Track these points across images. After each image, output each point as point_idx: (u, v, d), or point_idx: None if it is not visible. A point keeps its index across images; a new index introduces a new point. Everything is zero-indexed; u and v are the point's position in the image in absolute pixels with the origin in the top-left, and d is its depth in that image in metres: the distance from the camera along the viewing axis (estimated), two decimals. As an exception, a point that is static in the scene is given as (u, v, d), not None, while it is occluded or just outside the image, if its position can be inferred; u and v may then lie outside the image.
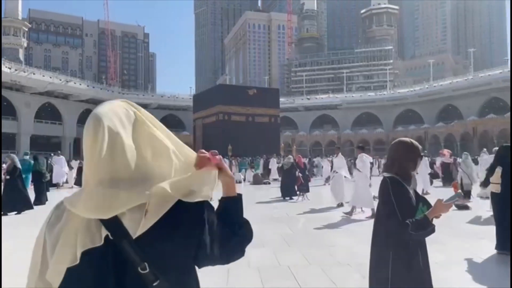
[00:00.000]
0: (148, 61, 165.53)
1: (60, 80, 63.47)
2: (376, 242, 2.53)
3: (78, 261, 0.88)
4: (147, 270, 0.88)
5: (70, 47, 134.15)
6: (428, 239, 2.44)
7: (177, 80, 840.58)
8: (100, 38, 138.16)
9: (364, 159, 9.92)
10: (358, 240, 6.88)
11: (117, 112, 0.96)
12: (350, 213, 9.62)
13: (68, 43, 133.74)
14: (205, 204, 1.02)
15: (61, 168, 19.55)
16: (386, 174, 2.48)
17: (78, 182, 20.28)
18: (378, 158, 35.12)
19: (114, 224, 0.90)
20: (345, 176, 11.63)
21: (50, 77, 61.51)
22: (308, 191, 14.02)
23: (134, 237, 0.90)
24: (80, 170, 20.91)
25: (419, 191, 13.34)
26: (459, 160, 14.69)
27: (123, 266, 0.89)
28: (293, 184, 13.81)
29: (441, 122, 70.98)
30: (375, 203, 9.69)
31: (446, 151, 16.45)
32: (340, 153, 11.99)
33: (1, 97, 50.38)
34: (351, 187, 10.52)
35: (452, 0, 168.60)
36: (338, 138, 75.83)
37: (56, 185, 19.28)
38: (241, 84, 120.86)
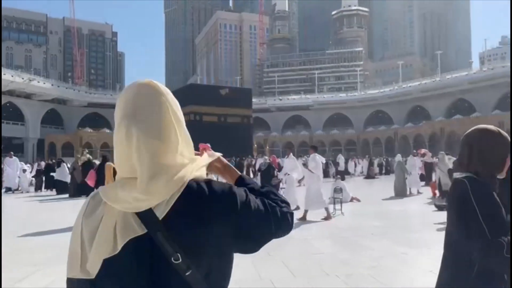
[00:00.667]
0: (116, 60, 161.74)
1: (23, 78, 60.64)
2: (451, 275, 1.68)
3: (117, 252, 0.90)
4: (180, 260, 0.91)
5: (33, 44, 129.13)
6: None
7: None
8: (66, 36, 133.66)
9: (317, 160, 9.56)
10: (342, 246, 6.38)
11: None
12: (303, 218, 9.13)
13: (31, 41, 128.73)
14: (233, 192, 1.01)
15: (14, 171, 18.22)
16: (461, 175, 1.69)
17: (39, 186, 19.03)
18: (355, 158, 35.24)
19: (148, 215, 0.93)
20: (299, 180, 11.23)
21: (12, 76, 58.65)
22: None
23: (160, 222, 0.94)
24: (39, 173, 19.65)
25: (411, 192, 12.90)
26: (435, 159, 14.48)
27: (158, 256, 0.92)
28: (272, 185, 13.50)
29: (410, 122, 72.34)
30: (328, 202, 9.42)
31: (425, 151, 16.10)
32: (291, 154, 11.51)
33: (1, 99, 47.94)
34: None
35: (420, 2, 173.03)
36: (310, 139, 76.00)
37: (11, 189, 18.04)
38: (212, 85, 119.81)
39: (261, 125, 77.79)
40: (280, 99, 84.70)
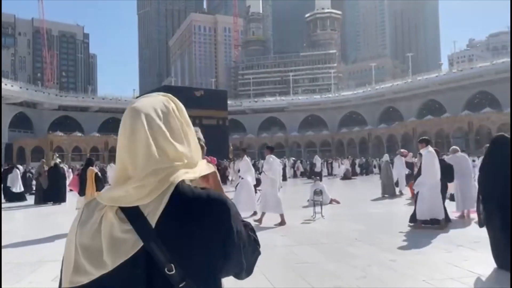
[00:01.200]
0: (88, 62, 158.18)
1: (-12, 81, 58.35)
2: None
3: (111, 269, 0.89)
4: (173, 271, 0.89)
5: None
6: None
7: (120, 82, 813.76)
8: (35, 37, 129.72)
9: (271, 161, 9.13)
10: (326, 254, 6.14)
11: (155, 105, 1.00)
12: (260, 220, 8.89)
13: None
14: (228, 204, 1.00)
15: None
16: None
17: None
18: (339, 159, 35.34)
19: (141, 223, 0.91)
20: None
21: (-23, 78, 56.37)
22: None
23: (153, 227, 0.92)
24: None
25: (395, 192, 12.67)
26: (414, 160, 14.39)
27: (153, 266, 0.90)
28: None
29: (383, 123, 73.52)
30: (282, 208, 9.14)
31: (405, 151, 16.10)
32: (246, 156, 10.58)
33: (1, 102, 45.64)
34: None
35: (390, 3, 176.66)
36: (286, 140, 76.34)
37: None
38: (187, 86, 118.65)
39: (237, 127, 77.51)
40: (256, 101, 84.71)
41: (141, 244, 0.89)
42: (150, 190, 0.91)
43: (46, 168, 14.92)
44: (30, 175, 19.46)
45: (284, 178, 23.75)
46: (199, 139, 1.37)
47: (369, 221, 9.29)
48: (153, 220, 0.91)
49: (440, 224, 7.93)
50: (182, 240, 0.92)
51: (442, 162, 8.51)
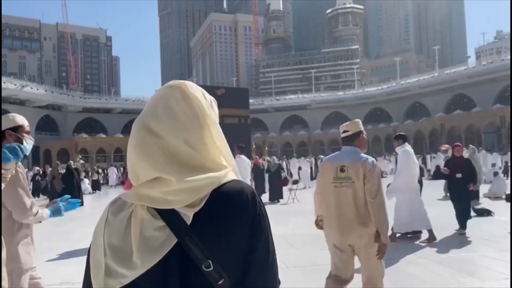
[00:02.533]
0: (111, 64, 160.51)
1: (15, 85, 59.58)
2: None
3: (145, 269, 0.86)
4: (211, 267, 0.85)
5: (27, 51, 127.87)
6: None
7: (143, 83, 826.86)
8: (60, 41, 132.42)
9: (238, 161, 8.21)
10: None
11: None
12: None
13: (25, 47, 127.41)
14: (260, 207, 0.96)
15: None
16: None
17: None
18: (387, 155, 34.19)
19: (175, 219, 0.87)
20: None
21: (4, 82, 57.56)
22: (282, 196, 13.93)
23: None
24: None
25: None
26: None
27: (187, 264, 0.86)
28: (281, 186, 13.97)
29: (410, 119, 71.55)
30: None
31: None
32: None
33: (1, 103, 46.82)
34: None
35: (413, 0, 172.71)
36: (309, 139, 75.23)
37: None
38: (207, 85, 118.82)
39: (258, 126, 76.88)
40: (277, 99, 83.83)
41: (175, 241, 0.86)
42: (193, 194, 0.88)
43: (61, 171, 14.46)
44: (40, 178, 19.14)
45: (312, 177, 22.90)
46: None
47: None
48: (187, 216, 0.87)
49: (429, 236, 6.63)
50: (217, 235, 0.88)
51: (467, 162, 7.39)
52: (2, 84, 56.75)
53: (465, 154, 15.35)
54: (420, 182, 7.43)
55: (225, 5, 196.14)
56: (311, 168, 23.60)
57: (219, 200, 0.90)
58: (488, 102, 61.72)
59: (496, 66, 62.34)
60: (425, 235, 6.80)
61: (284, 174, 13.87)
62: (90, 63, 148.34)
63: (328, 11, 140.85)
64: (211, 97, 1.01)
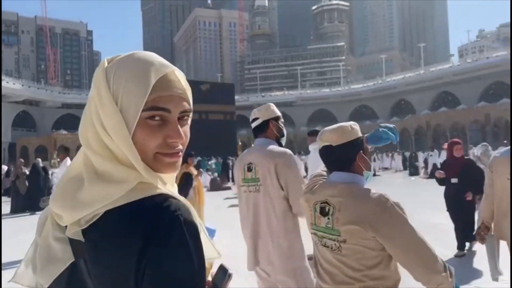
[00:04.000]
0: (92, 59, 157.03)
1: (-11, 79, 57.12)
2: None
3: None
4: None
5: (4, 45, 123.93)
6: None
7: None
8: (38, 35, 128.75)
9: None
10: None
11: None
12: None
13: (2, 41, 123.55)
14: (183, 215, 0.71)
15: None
16: None
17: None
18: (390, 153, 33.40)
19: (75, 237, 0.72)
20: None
21: (-22, 76, 55.12)
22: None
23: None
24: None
25: None
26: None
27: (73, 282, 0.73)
28: None
29: (395, 116, 71.46)
30: None
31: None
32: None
33: (1, 103, 44.49)
34: None
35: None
36: (294, 136, 74.54)
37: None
38: (192, 80, 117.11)
39: (244, 123, 75.64)
40: (263, 96, 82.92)
41: (72, 259, 0.72)
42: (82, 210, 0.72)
43: (25, 170, 12.89)
44: (3, 176, 17.38)
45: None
46: None
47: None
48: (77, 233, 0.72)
49: None
50: (103, 264, 0.69)
51: (467, 164, 5.73)
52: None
53: (474, 151, 14.58)
54: None
55: (209, 1, 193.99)
56: (305, 168, 22.41)
57: (108, 222, 0.70)
58: (473, 99, 61.98)
59: (481, 63, 62.60)
60: None
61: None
62: (70, 57, 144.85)
63: (314, 7, 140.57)
64: (120, 62, 0.76)
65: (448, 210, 5.98)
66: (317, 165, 5.43)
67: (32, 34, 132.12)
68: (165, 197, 0.71)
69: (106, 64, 0.75)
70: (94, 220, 0.69)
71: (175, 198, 0.72)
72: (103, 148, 0.72)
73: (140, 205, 0.69)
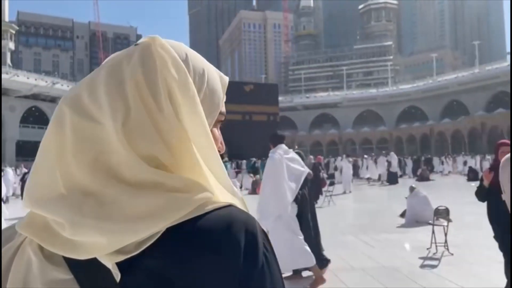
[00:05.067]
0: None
1: (46, 82, 60.23)
2: None
3: None
4: None
5: (60, 50, 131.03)
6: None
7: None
8: (92, 40, 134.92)
9: None
10: None
11: None
12: None
13: (58, 46, 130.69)
14: (264, 254, 0.59)
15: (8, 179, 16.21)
16: None
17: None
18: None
19: (88, 268, 0.52)
20: None
21: (35, 79, 58.28)
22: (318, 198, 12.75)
23: None
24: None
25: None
26: None
27: None
28: (319, 187, 12.82)
29: (447, 118, 68.27)
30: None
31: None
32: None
33: (1, 101, 47.23)
34: None
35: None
36: (339, 138, 73.10)
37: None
38: (236, 81, 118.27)
39: (287, 124, 75.22)
40: (307, 97, 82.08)
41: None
42: (133, 232, 0.52)
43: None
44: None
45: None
46: None
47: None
48: (114, 270, 0.50)
49: (314, 272, 4.96)
50: None
51: None
52: (34, 81, 57.54)
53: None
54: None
55: (254, 3, 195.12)
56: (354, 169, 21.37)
57: (179, 243, 0.51)
58: (534, 100, 58.01)
59: (542, 61, 58.48)
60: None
61: (322, 174, 12.44)
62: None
63: (361, 6, 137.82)
64: (188, 51, 0.66)
65: (490, 222, 4.11)
66: (270, 176, 4.76)
67: (86, 39, 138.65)
68: (235, 209, 0.56)
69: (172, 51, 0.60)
70: (152, 241, 0.49)
71: (240, 209, 0.57)
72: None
73: (216, 220, 0.53)
